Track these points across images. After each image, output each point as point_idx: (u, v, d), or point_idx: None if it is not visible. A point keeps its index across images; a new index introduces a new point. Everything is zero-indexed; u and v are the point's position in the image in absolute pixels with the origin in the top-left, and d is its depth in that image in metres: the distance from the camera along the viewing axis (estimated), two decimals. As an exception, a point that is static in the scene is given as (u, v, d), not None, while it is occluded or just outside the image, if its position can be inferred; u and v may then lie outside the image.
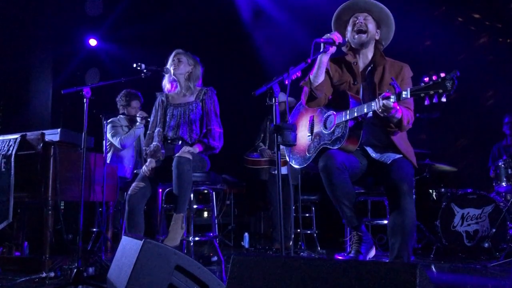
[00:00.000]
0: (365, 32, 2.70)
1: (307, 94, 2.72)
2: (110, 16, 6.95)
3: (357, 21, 2.71)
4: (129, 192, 3.18)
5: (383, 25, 2.77)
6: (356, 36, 2.70)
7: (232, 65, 6.74)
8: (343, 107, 2.62)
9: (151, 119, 3.54)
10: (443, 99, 2.14)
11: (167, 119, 3.46)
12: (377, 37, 2.77)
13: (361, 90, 2.72)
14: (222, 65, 6.43)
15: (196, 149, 3.31)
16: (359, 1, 2.75)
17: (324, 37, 2.58)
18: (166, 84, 3.56)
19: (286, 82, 2.29)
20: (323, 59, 2.61)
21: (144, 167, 3.29)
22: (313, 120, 2.88)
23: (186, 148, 3.26)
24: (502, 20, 5.65)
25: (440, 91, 2.13)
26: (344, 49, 2.83)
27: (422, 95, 2.20)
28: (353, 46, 2.78)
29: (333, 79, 2.80)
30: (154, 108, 3.55)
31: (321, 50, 2.57)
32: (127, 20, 6.82)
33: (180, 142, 3.39)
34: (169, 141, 3.43)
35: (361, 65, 2.78)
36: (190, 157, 3.13)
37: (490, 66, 5.51)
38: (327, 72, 2.77)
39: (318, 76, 2.65)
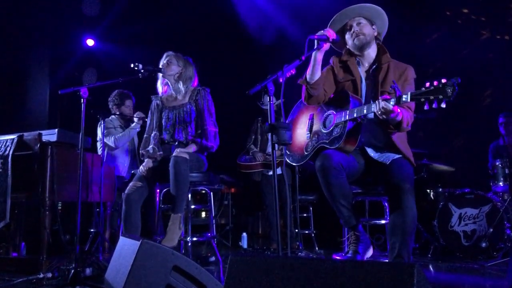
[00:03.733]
0: (363, 34, 2.72)
1: (305, 92, 2.73)
2: (107, 16, 6.93)
3: (353, 30, 2.74)
4: (126, 191, 3.18)
5: (376, 19, 2.80)
6: (355, 39, 2.72)
7: (229, 64, 6.74)
8: (343, 107, 2.63)
9: (147, 123, 3.56)
10: (443, 105, 2.14)
11: (163, 122, 3.47)
12: (375, 34, 2.79)
13: (365, 88, 2.73)
14: (219, 65, 6.43)
15: (190, 149, 3.31)
16: (346, 11, 2.77)
17: (318, 33, 2.58)
18: (159, 86, 3.60)
19: (281, 80, 2.29)
20: (317, 57, 2.62)
21: (141, 166, 3.30)
22: (313, 118, 2.89)
23: (180, 150, 3.26)
24: (499, 17, 5.65)
25: (440, 96, 2.14)
26: (344, 57, 2.83)
27: (422, 99, 2.20)
28: (355, 51, 2.79)
29: (338, 76, 2.80)
30: (150, 111, 3.58)
31: (315, 47, 2.58)
32: (125, 20, 6.80)
33: (176, 143, 3.40)
34: (166, 143, 3.44)
35: (366, 64, 2.80)
36: (187, 156, 3.14)
37: (487, 65, 5.51)
38: (331, 69, 2.79)
39: (314, 73, 2.65)
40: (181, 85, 3.47)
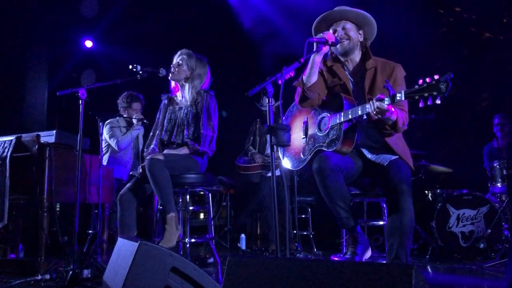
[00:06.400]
0: (347, 39, 2.70)
1: (300, 95, 2.72)
2: (105, 17, 6.93)
3: (337, 33, 2.70)
4: (120, 192, 3.20)
5: (364, 25, 2.77)
6: (338, 45, 2.70)
7: (228, 65, 6.73)
8: (337, 109, 2.63)
9: (155, 121, 3.54)
10: (438, 101, 2.15)
11: (165, 123, 3.44)
12: (361, 39, 2.76)
13: (352, 94, 2.72)
14: (218, 66, 6.41)
15: (181, 151, 3.29)
16: (333, 12, 2.76)
17: (317, 36, 2.59)
18: (172, 83, 3.55)
19: (280, 82, 2.29)
20: (316, 59, 2.62)
21: (139, 167, 3.31)
22: (307, 122, 2.88)
23: (167, 151, 3.26)
24: (495, 17, 5.65)
25: (435, 93, 2.14)
26: (329, 63, 2.83)
27: (417, 97, 2.20)
28: (338, 55, 2.78)
29: (327, 81, 2.81)
30: (159, 109, 3.57)
31: (314, 49, 2.58)
32: (123, 21, 6.80)
33: (174, 146, 3.38)
34: (165, 144, 3.43)
35: (351, 69, 2.78)
36: (161, 157, 3.10)
37: (485, 66, 5.52)
38: (321, 73, 2.78)
39: (311, 76, 2.65)
40: (187, 88, 3.43)
